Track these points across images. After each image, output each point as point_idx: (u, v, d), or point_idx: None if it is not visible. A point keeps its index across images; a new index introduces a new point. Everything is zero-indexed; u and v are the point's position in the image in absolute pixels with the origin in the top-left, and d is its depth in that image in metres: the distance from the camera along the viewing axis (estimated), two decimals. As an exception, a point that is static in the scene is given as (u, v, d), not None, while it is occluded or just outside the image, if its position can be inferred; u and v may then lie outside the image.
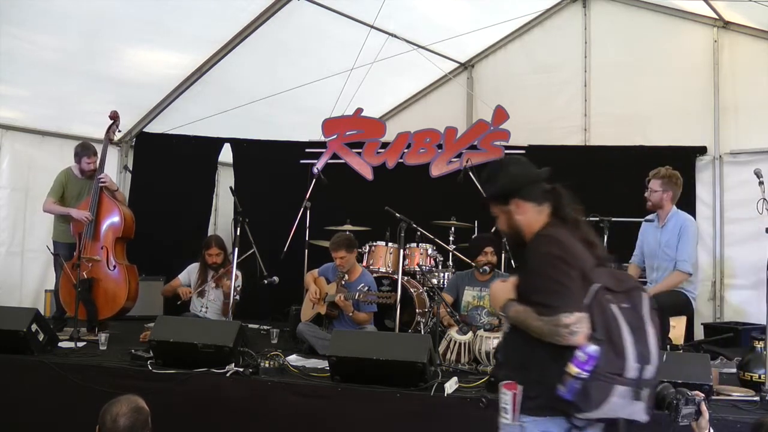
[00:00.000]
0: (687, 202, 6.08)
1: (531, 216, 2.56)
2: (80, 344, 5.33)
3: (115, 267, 5.93)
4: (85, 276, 5.72)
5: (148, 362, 4.65)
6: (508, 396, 2.47)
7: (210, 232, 7.95)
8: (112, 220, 5.97)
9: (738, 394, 4.22)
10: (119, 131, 6.17)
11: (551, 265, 2.36)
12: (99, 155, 6.07)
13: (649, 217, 5.32)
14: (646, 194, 5.19)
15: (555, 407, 2.34)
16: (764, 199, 4.38)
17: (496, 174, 2.69)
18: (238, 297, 5.76)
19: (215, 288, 6.04)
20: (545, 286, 2.35)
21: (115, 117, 6.06)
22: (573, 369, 2.26)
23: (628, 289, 2.43)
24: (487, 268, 5.69)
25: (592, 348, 2.27)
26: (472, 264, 5.83)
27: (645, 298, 2.43)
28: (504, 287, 2.54)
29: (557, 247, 2.39)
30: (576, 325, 2.27)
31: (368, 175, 7.75)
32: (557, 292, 2.31)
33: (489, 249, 5.68)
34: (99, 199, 5.92)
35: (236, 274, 5.63)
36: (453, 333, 5.11)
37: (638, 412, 2.35)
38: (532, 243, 2.51)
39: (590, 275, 2.37)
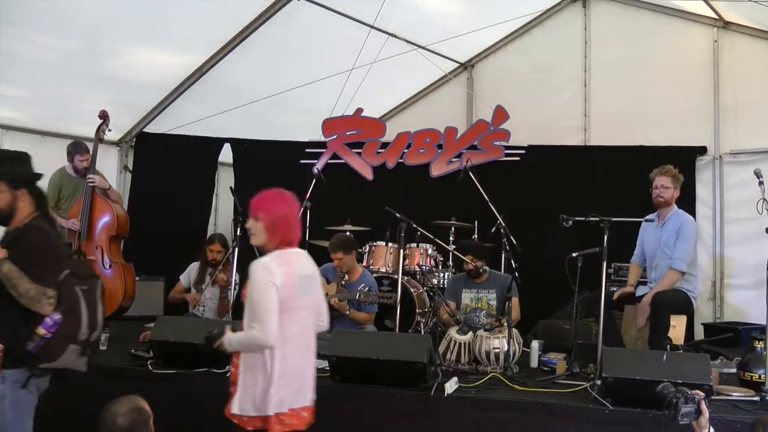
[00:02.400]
0: (687, 202, 6.07)
1: (26, 207, 3.24)
2: (80, 344, 5.32)
3: (110, 266, 5.94)
4: None
5: (149, 362, 4.66)
6: None
7: (210, 232, 7.94)
8: (105, 219, 5.99)
9: (738, 394, 4.23)
10: (109, 130, 6.16)
11: (44, 251, 3.16)
12: (91, 152, 6.09)
13: (649, 216, 5.32)
14: (656, 192, 5.18)
15: (22, 360, 3.07)
16: (764, 199, 4.39)
17: (16, 161, 3.32)
18: (230, 297, 5.75)
19: (212, 285, 6.05)
20: (40, 264, 3.09)
21: (104, 116, 6.05)
22: (41, 331, 3.04)
23: (87, 276, 3.33)
24: (486, 267, 5.70)
25: (57, 316, 3.08)
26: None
27: (99, 285, 3.37)
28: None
29: (47, 239, 3.20)
30: (52, 298, 3.08)
31: (368, 175, 7.75)
32: (48, 271, 3.10)
33: (469, 257, 5.70)
34: (91, 199, 5.94)
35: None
36: (453, 333, 5.11)
37: (82, 365, 3.24)
38: (29, 230, 3.20)
39: (62, 263, 3.21)
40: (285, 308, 3.03)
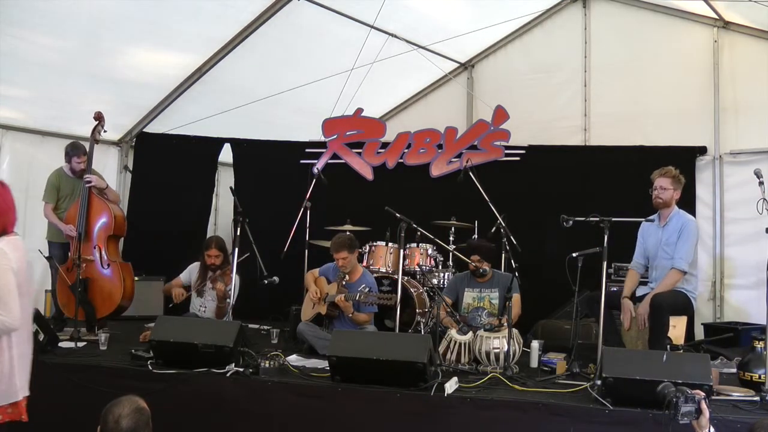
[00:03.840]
0: (687, 202, 6.07)
1: None
2: (80, 344, 5.33)
3: (108, 266, 5.94)
4: (80, 277, 5.73)
5: (149, 362, 4.66)
6: None
7: (210, 232, 7.95)
8: (102, 219, 6.00)
9: (738, 394, 4.23)
10: (105, 131, 6.18)
11: None
12: (87, 154, 6.09)
13: (649, 217, 5.31)
14: (655, 192, 5.17)
15: None
16: (764, 199, 4.39)
17: None
18: (230, 301, 5.74)
19: (212, 288, 6.04)
20: None
21: (99, 117, 6.06)
22: None
23: None
24: (487, 268, 5.69)
25: None
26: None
27: None
28: None
29: None
30: None
31: (368, 175, 7.75)
32: None
33: (475, 257, 5.69)
34: (88, 199, 5.95)
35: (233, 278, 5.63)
36: (453, 333, 5.11)
37: None
38: None
39: None
40: (19, 293, 3.06)
